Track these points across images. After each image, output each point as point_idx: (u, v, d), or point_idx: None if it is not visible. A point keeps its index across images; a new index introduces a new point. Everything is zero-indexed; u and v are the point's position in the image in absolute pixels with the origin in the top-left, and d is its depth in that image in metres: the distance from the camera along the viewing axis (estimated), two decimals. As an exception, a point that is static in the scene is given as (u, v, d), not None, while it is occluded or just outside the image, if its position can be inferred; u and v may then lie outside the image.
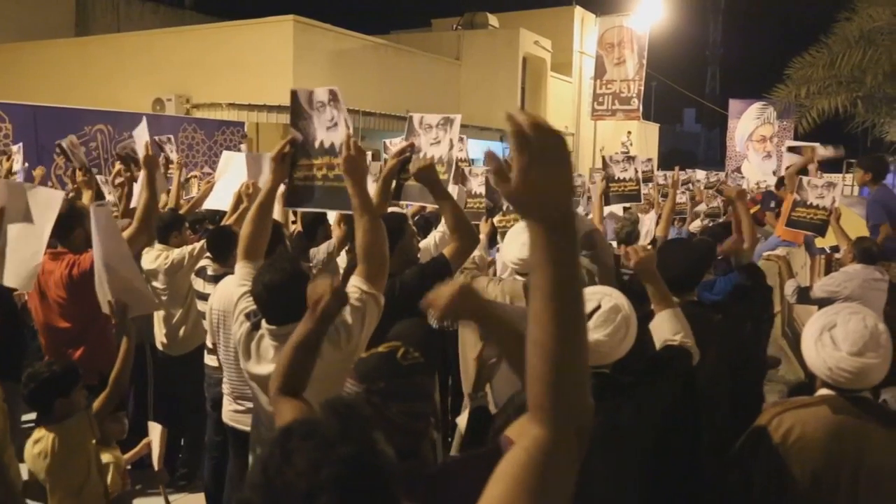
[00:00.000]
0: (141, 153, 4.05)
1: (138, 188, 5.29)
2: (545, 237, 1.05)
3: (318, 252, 4.44)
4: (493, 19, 24.73)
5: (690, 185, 11.86)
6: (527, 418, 1.10)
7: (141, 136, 4.97)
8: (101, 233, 3.44)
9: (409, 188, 3.47)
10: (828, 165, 11.93)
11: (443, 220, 4.01)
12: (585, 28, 26.47)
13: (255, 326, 2.72)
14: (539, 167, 1.04)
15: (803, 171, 7.45)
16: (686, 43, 57.90)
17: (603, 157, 6.20)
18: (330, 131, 3.03)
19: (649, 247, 3.20)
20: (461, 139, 4.67)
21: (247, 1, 24.41)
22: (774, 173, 12.96)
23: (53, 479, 2.89)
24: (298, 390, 2.06)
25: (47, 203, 3.87)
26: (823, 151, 8.30)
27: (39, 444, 2.92)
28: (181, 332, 4.76)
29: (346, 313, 2.52)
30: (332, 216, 4.71)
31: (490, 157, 1.09)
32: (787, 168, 7.78)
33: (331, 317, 2.15)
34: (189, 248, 4.68)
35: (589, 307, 2.32)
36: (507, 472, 1.05)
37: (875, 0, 11.39)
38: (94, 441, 2.99)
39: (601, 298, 2.36)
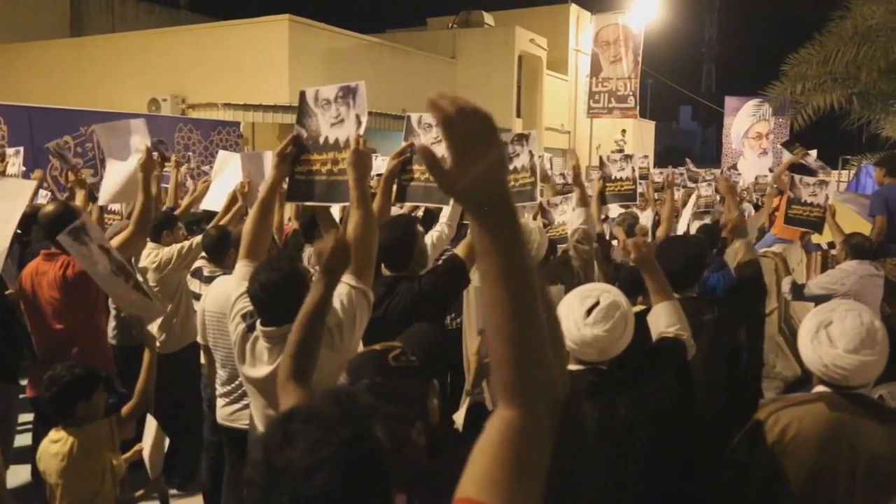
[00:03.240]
0: (142, 157, 4.01)
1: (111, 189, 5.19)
2: (485, 226, 1.05)
3: (316, 245, 4.44)
4: (488, 17, 24.74)
5: (691, 183, 11.83)
6: (499, 399, 1.12)
7: (139, 138, 4.91)
8: (80, 259, 3.46)
9: (413, 189, 3.48)
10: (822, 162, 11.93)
11: (441, 220, 4.03)
12: (581, 26, 26.48)
13: (251, 328, 2.71)
14: (469, 154, 1.02)
15: (795, 168, 7.49)
16: (681, 40, 57.95)
17: (600, 157, 6.19)
18: (335, 128, 3.04)
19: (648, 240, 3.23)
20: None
21: (242, 1, 24.36)
22: (771, 170, 12.97)
23: (67, 483, 2.87)
24: (308, 374, 2.05)
25: (17, 193, 3.88)
26: (812, 162, 8.41)
27: (57, 445, 2.90)
28: (171, 328, 4.76)
29: (338, 313, 2.52)
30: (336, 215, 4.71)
31: (424, 151, 1.05)
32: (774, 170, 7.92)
33: (339, 267, 2.22)
34: (178, 246, 4.69)
35: (588, 304, 2.33)
36: (483, 452, 1.07)
37: (870, -3, 11.42)
38: (111, 450, 2.99)
39: (600, 295, 2.36)
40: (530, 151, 3.98)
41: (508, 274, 1.06)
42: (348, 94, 3.03)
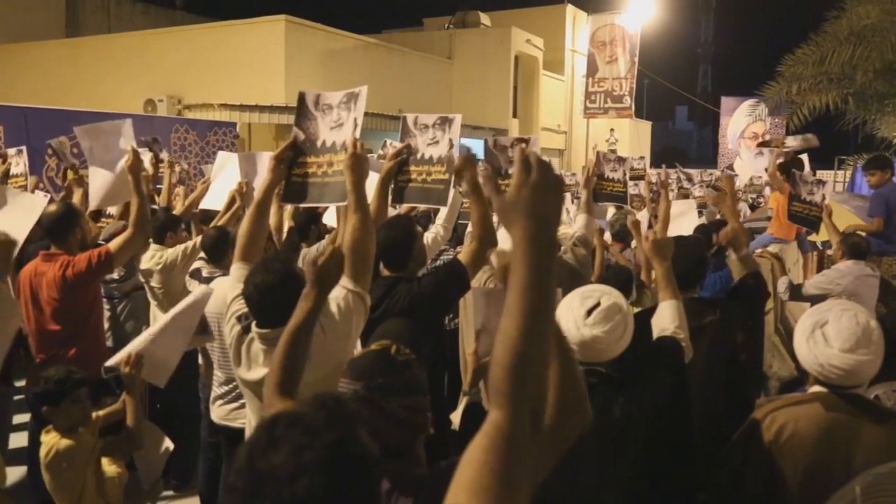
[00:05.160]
0: (129, 159, 3.97)
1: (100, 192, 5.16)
2: (526, 244, 1.19)
3: (309, 252, 4.45)
4: (484, 18, 24.74)
5: (686, 183, 11.84)
6: (489, 402, 1.17)
7: (125, 140, 4.84)
8: (191, 303, 3.39)
9: (410, 190, 3.49)
10: (818, 162, 11.97)
11: (437, 221, 4.04)
12: (577, 26, 26.50)
13: (246, 330, 2.70)
14: (534, 189, 1.22)
15: (797, 164, 7.51)
16: (677, 41, 58.13)
17: (597, 153, 6.20)
18: (333, 131, 3.05)
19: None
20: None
21: (238, 1, 24.37)
22: (767, 171, 13.01)
23: (49, 479, 2.91)
24: (293, 387, 2.06)
25: (31, 207, 3.86)
26: (793, 142, 8.43)
27: (49, 435, 2.94)
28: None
29: (334, 316, 2.52)
30: (333, 219, 4.73)
31: (468, 158, 1.26)
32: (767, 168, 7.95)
33: (330, 280, 2.21)
34: (182, 246, 4.69)
35: (588, 304, 2.34)
36: (473, 458, 1.10)
37: (864, -2, 11.45)
38: (97, 457, 2.99)
39: (600, 296, 2.37)
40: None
41: (530, 289, 1.17)
42: (351, 99, 3.04)
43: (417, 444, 1.79)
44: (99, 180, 4.94)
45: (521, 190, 1.22)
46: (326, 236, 4.60)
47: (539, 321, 1.16)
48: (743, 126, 24.27)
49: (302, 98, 3.15)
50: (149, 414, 4.77)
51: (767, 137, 21.55)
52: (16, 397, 4.97)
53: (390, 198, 3.57)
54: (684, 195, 10.84)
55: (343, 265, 2.27)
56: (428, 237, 3.95)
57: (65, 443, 2.90)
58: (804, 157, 8.70)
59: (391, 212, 4.09)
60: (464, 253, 3.26)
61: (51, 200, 6.66)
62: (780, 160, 7.72)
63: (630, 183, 6.56)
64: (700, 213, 8.68)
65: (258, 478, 1.07)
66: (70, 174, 5.54)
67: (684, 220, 6.14)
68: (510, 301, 1.17)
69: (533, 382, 1.16)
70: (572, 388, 1.62)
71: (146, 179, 5.63)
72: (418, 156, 3.47)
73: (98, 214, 5.96)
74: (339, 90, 3.14)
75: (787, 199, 6.26)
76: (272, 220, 4.39)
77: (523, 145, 1.27)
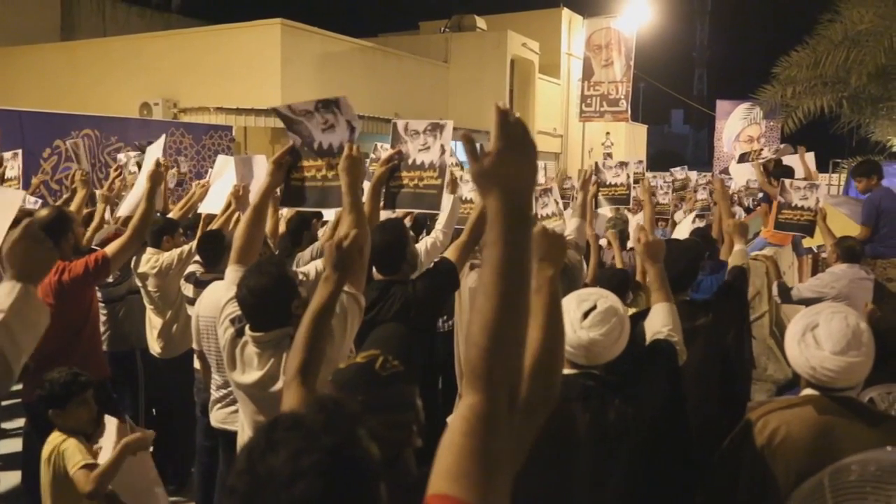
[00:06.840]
0: (150, 168, 4.11)
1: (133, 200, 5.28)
2: (502, 218, 1.16)
3: (303, 256, 4.45)
4: (480, 21, 24.77)
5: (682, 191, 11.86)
6: (464, 384, 1.17)
7: (154, 153, 5.07)
8: None
9: (403, 195, 3.49)
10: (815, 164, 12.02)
11: (437, 227, 4.05)
12: (573, 30, 26.56)
13: (239, 333, 2.70)
14: (511, 156, 1.19)
15: (787, 173, 7.54)
16: (673, 44, 58.31)
17: (595, 163, 6.31)
18: (326, 133, 3.05)
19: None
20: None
21: (234, 4, 24.36)
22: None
23: (50, 478, 2.91)
24: (314, 372, 2.05)
25: (8, 203, 3.86)
26: (768, 153, 8.52)
27: (55, 434, 2.96)
28: (171, 334, 4.76)
29: None
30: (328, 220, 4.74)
31: (465, 137, 1.28)
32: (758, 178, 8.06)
33: (351, 264, 2.21)
34: (178, 250, 4.70)
35: (585, 307, 2.34)
36: (451, 442, 1.10)
37: (859, 2, 11.48)
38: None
39: (597, 299, 2.38)
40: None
41: (507, 265, 1.14)
42: (330, 105, 3.04)
43: (404, 455, 1.78)
44: (134, 193, 5.23)
45: (500, 156, 1.18)
46: (321, 237, 4.60)
47: (517, 300, 1.15)
48: (738, 129, 24.28)
49: (277, 112, 3.17)
50: (144, 419, 4.77)
51: (760, 142, 21.63)
52: (6, 402, 4.97)
53: (383, 203, 3.57)
54: (682, 198, 10.88)
55: (365, 253, 2.27)
56: (427, 242, 3.96)
57: (71, 443, 2.91)
58: (810, 155, 8.72)
59: (389, 216, 4.10)
60: (451, 247, 3.26)
61: (44, 204, 6.69)
62: (762, 170, 7.81)
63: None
64: (701, 217, 8.71)
65: (257, 481, 1.07)
66: (79, 174, 5.57)
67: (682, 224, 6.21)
68: (487, 278, 1.15)
69: (510, 363, 1.15)
70: (557, 361, 1.60)
71: (161, 194, 5.79)
72: (410, 161, 3.48)
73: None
74: (326, 96, 3.13)
75: (776, 208, 6.28)
76: (267, 224, 4.39)
77: (501, 103, 1.23)
